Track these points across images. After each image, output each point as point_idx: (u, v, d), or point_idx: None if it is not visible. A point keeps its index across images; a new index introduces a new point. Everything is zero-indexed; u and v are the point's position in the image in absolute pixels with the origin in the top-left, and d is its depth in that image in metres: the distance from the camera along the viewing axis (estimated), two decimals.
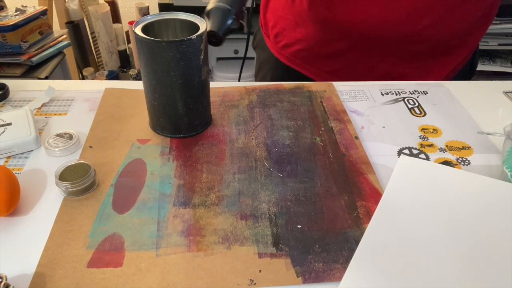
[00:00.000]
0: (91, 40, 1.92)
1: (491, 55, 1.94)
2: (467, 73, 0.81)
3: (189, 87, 0.51)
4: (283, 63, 0.81)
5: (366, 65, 0.74)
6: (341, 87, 0.67)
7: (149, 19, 0.52)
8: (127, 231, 0.42)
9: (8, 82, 0.62)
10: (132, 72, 1.94)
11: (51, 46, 1.29)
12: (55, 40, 1.31)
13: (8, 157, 0.50)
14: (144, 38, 0.47)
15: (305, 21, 0.73)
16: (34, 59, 1.20)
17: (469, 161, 0.53)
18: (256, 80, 0.92)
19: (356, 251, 0.40)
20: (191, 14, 0.52)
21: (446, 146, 0.55)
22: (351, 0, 0.65)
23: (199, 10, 0.56)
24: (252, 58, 0.95)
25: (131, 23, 1.84)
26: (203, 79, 0.52)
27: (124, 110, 0.59)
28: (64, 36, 1.36)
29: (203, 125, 0.56)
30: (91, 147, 0.52)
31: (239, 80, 0.96)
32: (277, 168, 0.50)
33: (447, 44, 0.71)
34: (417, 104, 0.64)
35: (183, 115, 0.53)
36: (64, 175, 0.45)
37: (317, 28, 0.72)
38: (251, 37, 0.93)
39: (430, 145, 0.55)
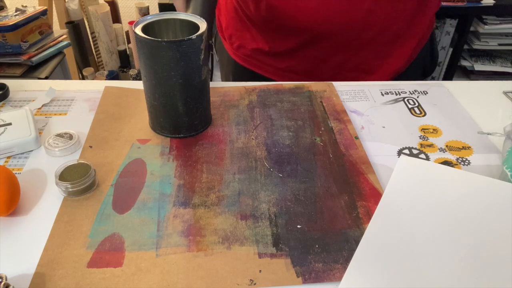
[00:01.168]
0: (91, 40, 1.92)
1: (491, 55, 1.94)
2: (429, 66, 0.81)
3: (189, 87, 0.51)
4: (240, 64, 0.81)
5: (320, 58, 0.74)
6: (341, 87, 0.67)
7: (149, 19, 0.52)
8: (127, 231, 0.42)
9: (8, 82, 0.62)
10: (132, 72, 1.94)
11: (51, 46, 1.29)
12: (55, 40, 1.31)
13: (8, 157, 0.50)
14: (144, 38, 0.47)
15: (252, 21, 0.73)
16: (34, 59, 1.20)
17: (469, 161, 0.53)
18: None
19: (356, 251, 0.40)
20: (191, 14, 0.52)
21: (446, 146, 0.55)
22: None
23: None
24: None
25: (131, 23, 1.84)
26: (203, 79, 0.52)
27: (124, 110, 0.59)
28: (64, 36, 1.36)
29: (203, 125, 0.56)
30: (91, 146, 0.52)
31: (211, 80, 0.97)
32: (277, 168, 0.50)
33: (394, 28, 0.70)
34: (417, 104, 0.64)
35: (183, 115, 0.53)
36: (64, 175, 0.45)
37: (265, 28, 0.73)
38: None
39: (430, 145, 0.55)
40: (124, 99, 0.61)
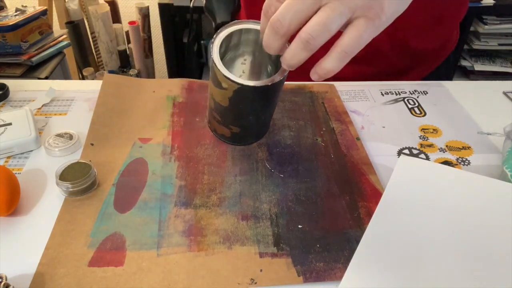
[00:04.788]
0: (91, 40, 1.92)
1: (491, 55, 1.94)
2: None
3: (258, 122, 0.48)
4: None
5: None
6: (341, 87, 0.67)
7: (224, 32, 0.43)
8: (129, 231, 0.42)
9: (8, 82, 0.62)
10: (132, 72, 1.94)
11: (51, 46, 1.29)
12: (55, 40, 1.31)
13: (8, 157, 0.50)
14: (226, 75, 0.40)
15: None
16: (34, 59, 1.20)
17: (469, 161, 0.53)
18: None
19: (357, 251, 0.40)
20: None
21: (446, 146, 0.55)
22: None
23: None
24: None
25: (131, 23, 1.84)
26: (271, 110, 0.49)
27: (124, 102, 0.59)
28: (64, 36, 1.36)
29: (255, 138, 0.53)
30: (92, 144, 0.52)
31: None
32: (278, 168, 0.50)
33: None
34: (417, 104, 0.64)
35: (239, 133, 0.50)
36: (65, 175, 0.45)
37: None
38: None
39: (430, 145, 0.55)
40: (124, 90, 0.61)
